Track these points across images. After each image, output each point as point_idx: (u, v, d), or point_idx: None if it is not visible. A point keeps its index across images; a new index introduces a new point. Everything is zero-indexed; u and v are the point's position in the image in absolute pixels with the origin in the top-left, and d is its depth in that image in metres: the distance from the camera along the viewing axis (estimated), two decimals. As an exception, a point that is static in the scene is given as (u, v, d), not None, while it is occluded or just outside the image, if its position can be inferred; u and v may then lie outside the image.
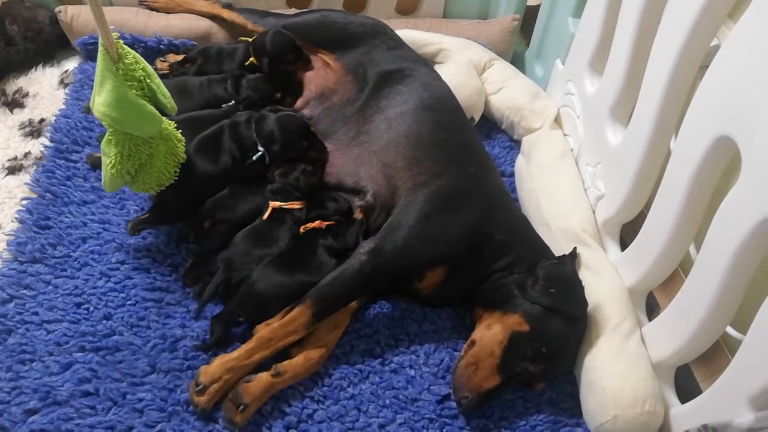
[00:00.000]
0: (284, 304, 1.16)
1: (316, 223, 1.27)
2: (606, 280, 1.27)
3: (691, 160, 1.05)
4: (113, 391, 1.09)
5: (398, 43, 1.63)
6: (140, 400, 1.09)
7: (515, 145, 1.72)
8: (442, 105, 1.46)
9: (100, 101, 1.08)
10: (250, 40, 1.62)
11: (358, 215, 1.32)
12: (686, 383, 1.22)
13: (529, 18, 1.94)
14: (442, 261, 1.22)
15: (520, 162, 1.61)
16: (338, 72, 1.55)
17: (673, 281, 1.26)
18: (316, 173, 1.37)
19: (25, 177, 1.45)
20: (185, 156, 1.26)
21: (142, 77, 1.10)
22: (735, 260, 0.95)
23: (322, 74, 1.57)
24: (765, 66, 0.91)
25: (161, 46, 1.72)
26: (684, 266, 1.26)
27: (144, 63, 1.12)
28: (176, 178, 1.24)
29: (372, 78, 1.50)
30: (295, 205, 1.31)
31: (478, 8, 1.97)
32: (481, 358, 1.13)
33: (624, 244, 1.34)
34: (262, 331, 1.13)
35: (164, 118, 1.20)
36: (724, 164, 1.04)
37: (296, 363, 1.13)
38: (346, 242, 1.26)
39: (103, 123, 1.12)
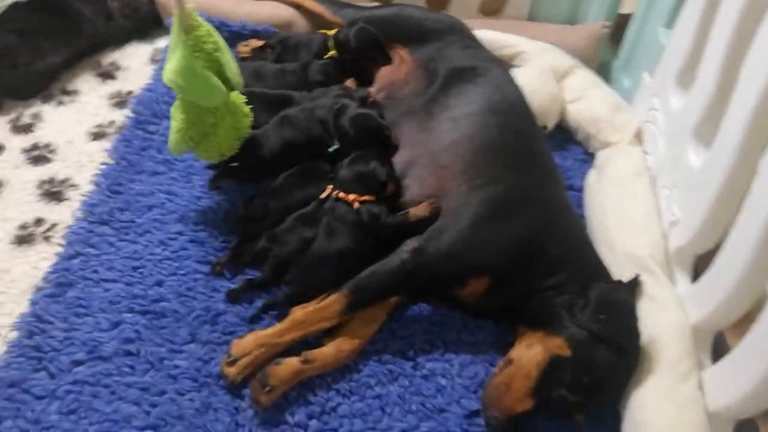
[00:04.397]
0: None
1: (351, 199, 1.25)
2: (668, 313, 1.15)
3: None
4: (153, 354, 1.14)
5: (474, 43, 1.59)
6: (176, 366, 1.13)
7: (589, 158, 1.62)
8: (512, 108, 1.40)
9: (169, 67, 1.13)
10: (330, 33, 1.64)
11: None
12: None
13: (619, 26, 1.82)
14: (486, 270, 1.17)
15: (592, 177, 1.51)
16: (410, 65, 1.54)
17: (749, 323, 1.14)
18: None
19: (106, 144, 1.55)
20: (249, 130, 1.29)
21: (211, 50, 1.13)
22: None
23: (394, 66, 1.56)
24: None
25: (244, 32, 1.78)
26: (762, 306, 1.12)
27: (216, 37, 1.15)
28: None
29: (443, 73, 1.46)
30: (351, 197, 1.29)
31: (566, 12, 1.88)
32: (516, 379, 1.07)
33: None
34: (297, 312, 1.14)
35: (235, 93, 1.23)
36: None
37: (326, 353, 1.13)
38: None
39: (172, 88, 1.16)
